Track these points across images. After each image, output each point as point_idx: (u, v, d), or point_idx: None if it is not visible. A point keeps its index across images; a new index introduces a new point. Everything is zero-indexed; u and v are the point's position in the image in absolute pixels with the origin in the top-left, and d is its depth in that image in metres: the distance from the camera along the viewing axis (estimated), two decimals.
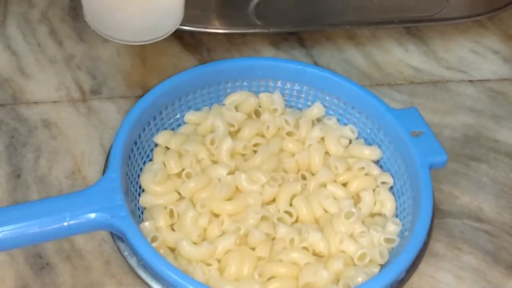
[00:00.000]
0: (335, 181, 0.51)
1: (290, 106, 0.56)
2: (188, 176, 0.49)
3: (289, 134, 0.53)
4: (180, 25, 0.64)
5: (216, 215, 0.48)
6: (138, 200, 0.49)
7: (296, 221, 0.49)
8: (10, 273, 0.48)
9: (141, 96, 0.50)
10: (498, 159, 0.58)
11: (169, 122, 0.53)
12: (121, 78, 0.61)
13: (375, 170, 0.52)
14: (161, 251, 0.46)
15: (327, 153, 0.52)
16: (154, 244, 0.45)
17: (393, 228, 0.48)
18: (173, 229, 0.48)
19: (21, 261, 0.48)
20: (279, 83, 0.55)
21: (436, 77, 0.64)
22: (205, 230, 0.47)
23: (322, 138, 0.53)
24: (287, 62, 0.56)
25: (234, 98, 0.55)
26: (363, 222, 0.48)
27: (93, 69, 0.61)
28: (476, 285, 0.49)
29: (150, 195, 0.49)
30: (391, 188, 0.51)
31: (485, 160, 0.57)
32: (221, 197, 0.48)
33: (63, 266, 0.48)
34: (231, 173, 0.50)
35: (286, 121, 0.53)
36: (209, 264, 0.45)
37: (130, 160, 0.48)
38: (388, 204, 0.50)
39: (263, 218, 0.48)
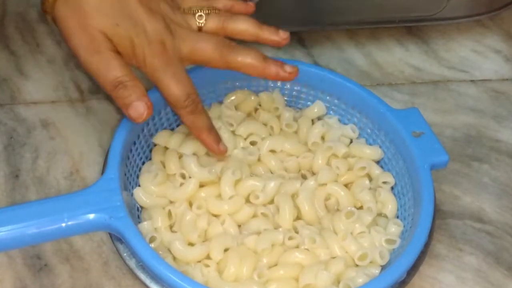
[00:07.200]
0: (336, 181, 0.50)
1: (290, 107, 0.56)
2: (185, 176, 0.49)
3: (288, 126, 0.53)
4: None
5: (215, 215, 0.48)
6: (137, 200, 0.48)
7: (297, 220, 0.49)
8: (8, 274, 0.47)
9: None
10: (499, 159, 0.57)
11: (169, 122, 0.53)
12: None
13: (376, 170, 0.51)
14: (160, 252, 0.45)
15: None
16: (152, 245, 0.45)
17: (394, 229, 0.48)
18: (171, 230, 0.47)
19: (20, 262, 0.48)
20: (279, 83, 0.55)
21: (437, 77, 0.64)
22: (205, 231, 0.47)
23: (323, 137, 0.53)
24: (287, 62, 0.55)
25: (233, 97, 0.54)
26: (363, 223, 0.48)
27: None
28: (478, 286, 0.49)
29: (148, 195, 0.48)
30: (392, 188, 0.51)
31: (487, 161, 0.57)
32: (219, 197, 0.48)
33: (61, 267, 0.48)
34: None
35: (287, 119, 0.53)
36: (207, 265, 0.45)
37: (129, 160, 0.48)
38: (389, 205, 0.49)
39: (263, 215, 0.48)
